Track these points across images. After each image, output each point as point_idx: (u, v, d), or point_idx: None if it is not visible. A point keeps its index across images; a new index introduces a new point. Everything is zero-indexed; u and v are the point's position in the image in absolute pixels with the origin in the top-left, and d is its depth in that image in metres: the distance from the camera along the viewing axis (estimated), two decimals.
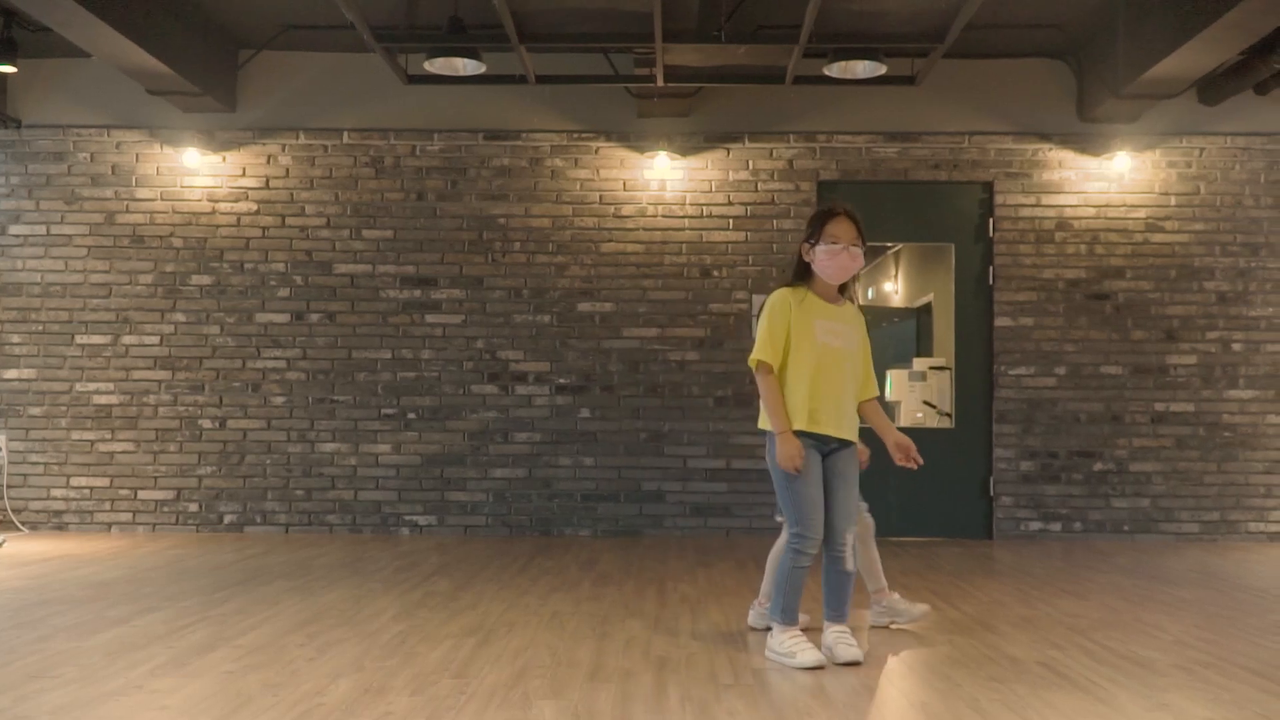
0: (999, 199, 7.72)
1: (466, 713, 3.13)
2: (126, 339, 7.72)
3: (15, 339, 7.73)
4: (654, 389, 7.68)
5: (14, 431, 7.69)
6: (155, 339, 7.72)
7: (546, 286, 7.72)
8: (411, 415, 7.68)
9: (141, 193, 7.78)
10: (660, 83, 6.96)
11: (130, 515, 7.67)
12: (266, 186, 7.78)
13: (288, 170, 7.79)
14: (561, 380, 7.69)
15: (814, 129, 7.75)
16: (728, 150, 7.76)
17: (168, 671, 3.58)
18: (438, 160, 7.78)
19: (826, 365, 3.84)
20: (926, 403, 7.99)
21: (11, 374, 7.72)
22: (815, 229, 3.89)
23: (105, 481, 7.68)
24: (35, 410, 7.70)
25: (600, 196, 7.75)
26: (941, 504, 7.55)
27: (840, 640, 3.82)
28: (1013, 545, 7.28)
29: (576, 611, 4.75)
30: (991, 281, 7.72)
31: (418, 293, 7.73)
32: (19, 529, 7.60)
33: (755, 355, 3.89)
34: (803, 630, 3.90)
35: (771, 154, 7.75)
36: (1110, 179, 7.72)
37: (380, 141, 7.79)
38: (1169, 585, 5.63)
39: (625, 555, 6.62)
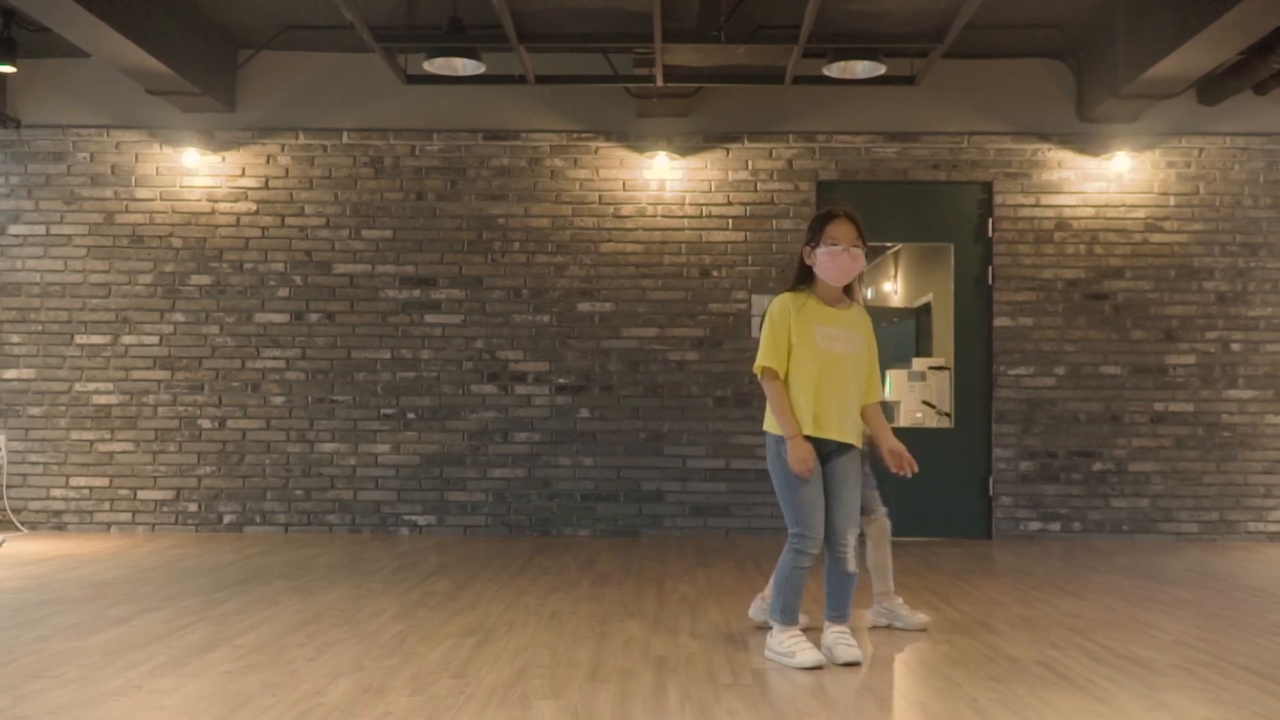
0: (998, 199, 7.72)
1: (466, 712, 3.13)
2: (126, 339, 7.72)
3: (15, 339, 7.73)
4: (653, 389, 7.68)
5: (13, 431, 7.69)
6: (155, 339, 7.72)
7: (546, 286, 7.72)
8: (411, 415, 7.68)
9: (141, 193, 7.79)
10: (659, 83, 6.96)
11: (130, 515, 7.67)
12: (266, 186, 7.78)
13: (287, 170, 7.79)
14: (561, 380, 7.69)
15: (813, 129, 7.75)
16: (727, 150, 7.76)
17: (167, 671, 3.59)
18: (437, 160, 7.78)
19: (828, 370, 3.83)
20: (926, 403, 7.99)
21: (11, 374, 7.72)
22: (815, 232, 3.89)
23: (105, 481, 7.68)
24: (35, 410, 7.70)
25: (600, 196, 7.75)
26: (941, 504, 7.55)
27: (840, 641, 3.82)
28: (1012, 545, 7.28)
29: (576, 611, 4.75)
30: (991, 281, 7.73)
31: (417, 293, 7.73)
32: (18, 529, 7.60)
33: (759, 363, 3.91)
34: (803, 630, 3.90)
35: (771, 154, 7.75)
36: (1109, 179, 7.72)
37: (380, 141, 7.79)
38: (1168, 585, 5.64)
39: (624, 555, 6.62)
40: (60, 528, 7.67)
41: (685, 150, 7.76)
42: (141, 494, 7.67)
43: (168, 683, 3.44)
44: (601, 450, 7.65)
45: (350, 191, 7.77)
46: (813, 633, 3.99)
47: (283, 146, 7.79)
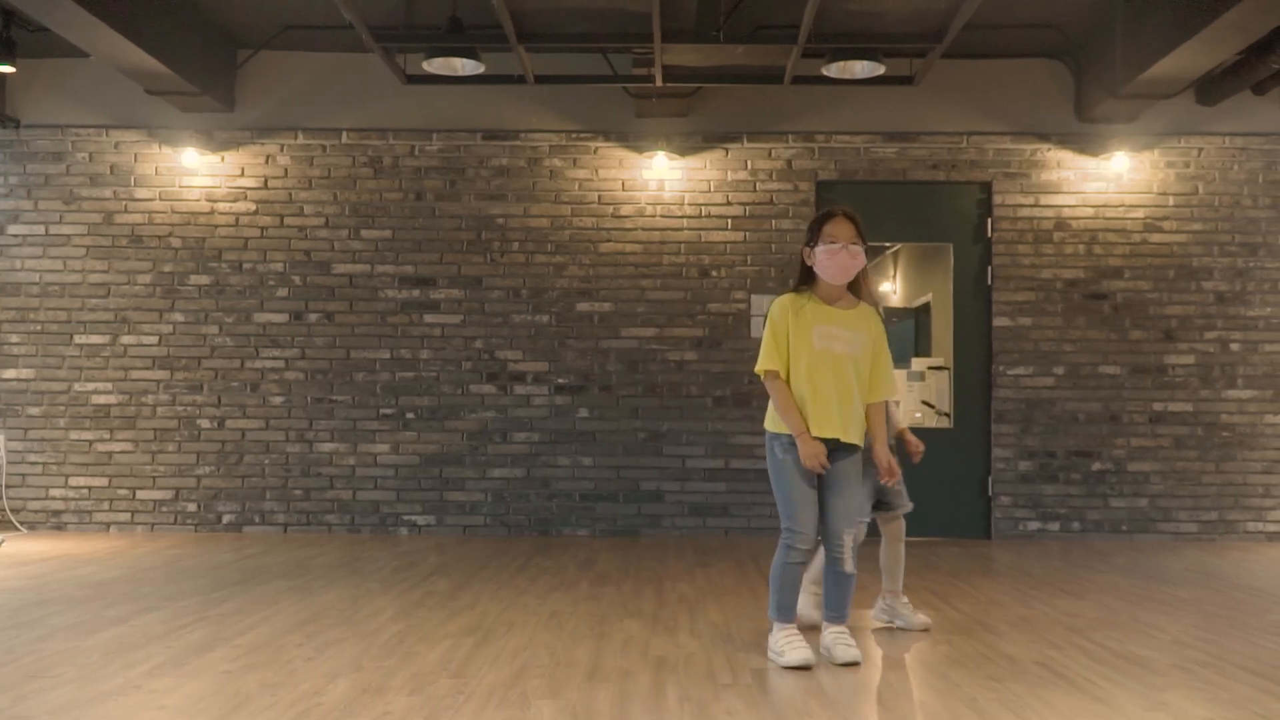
0: (997, 199, 7.72)
1: (465, 712, 3.14)
2: (125, 339, 7.71)
3: (14, 339, 7.73)
4: (652, 389, 7.68)
5: (12, 431, 7.69)
6: (154, 339, 7.72)
7: (545, 286, 7.72)
8: (410, 415, 7.68)
9: (140, 193, 7.78)
10: (659, 83, 6.97)
11: (129, 515, 7.67)
12: (265, 186, 7.78)
13: (286, 170, 7.79)
14: (560, 380, 7.69)
15: (812, 129, 7.76)
16: (726, 150, 7.76)
17: (166, 671, 3.59)
18: (436, 160, 7.78)
19: (826, 371, 3.82)
20: (925, 402, 7.99)
21: (10, 374, 7.72)
22: (814, 231, 3.90)
23: (104, 481, 7.68)
24: (34, 410, 7.70)
25: (599, 196, 7.75)
26: (940, 504, 7.55)
27: (839, 641, 3.83)
28: (1011, 545, 7.29)
29: (575, 611, 4.75)
30: (990, 281, 7.73)
31: (416, 293, 7.73)
32: (17, 529, 7.60)
33: (759, 365, 3.92)
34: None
35: (770, 154, 7.75)
36: (1108, 179, 7.72)
37: (379, 141, 7.79)
38: (1167, 585, 5.64)
39: (624, 555, 6.62)
40: (59, 528, 7.67)
41: (684, 150, 7.76)
42: (140, 494, 7.67)
43: (167, 682, 3.44)
44: (601, 450, 7.65)
45: (349, 191, 7.77)
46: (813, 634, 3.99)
47: (282, 146, 7.79)
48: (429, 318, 7.72)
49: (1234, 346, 7.65)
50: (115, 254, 7.75)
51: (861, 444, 3.90)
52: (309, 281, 7.73)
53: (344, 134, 7.79)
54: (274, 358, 7.71)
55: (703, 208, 7.73)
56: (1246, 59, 6.89)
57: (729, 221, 7.73)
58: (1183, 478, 7.61)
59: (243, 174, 7.78)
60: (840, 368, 3.83)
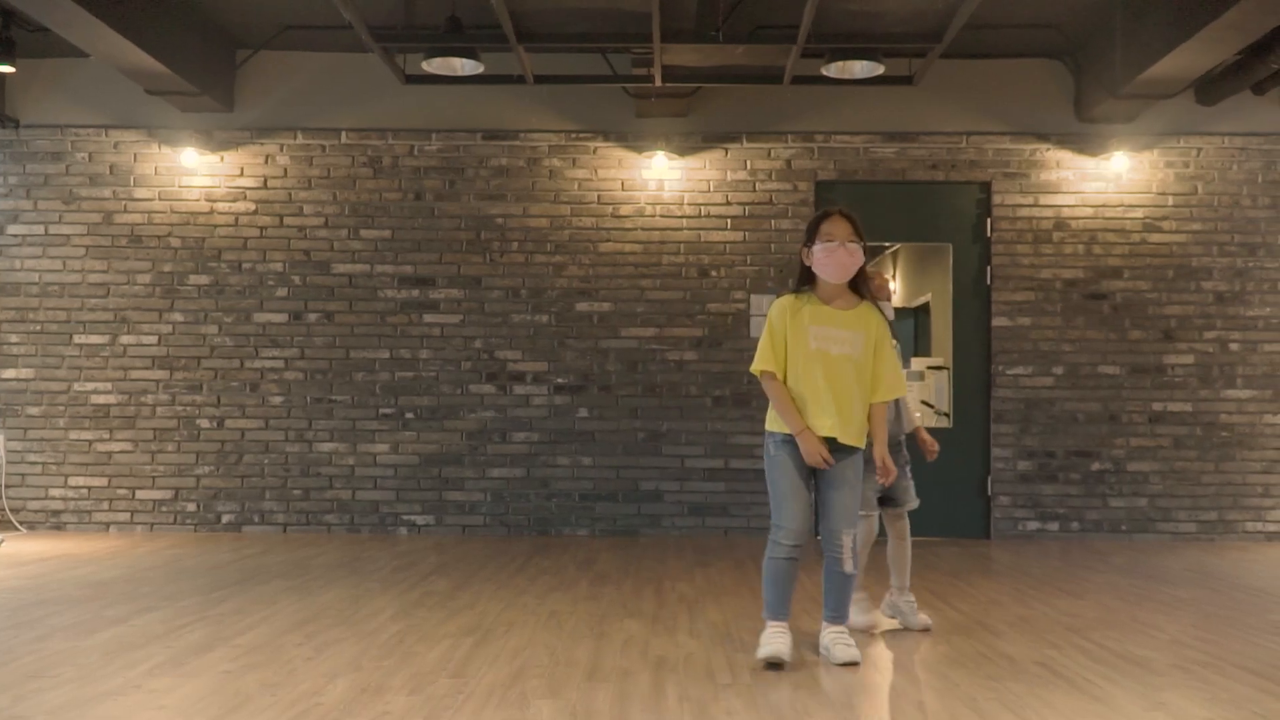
0: (997, 199, 7.73)
1: (464, 712, 3.14)
2: (124, 339, 7.71)
3: (13, 339, 7.73)
4: (652, 389, 7.68)
5: (12, 431, 7.69)
6: (153, 339, 7.72)
7: (544, 286, 7.72)
8: (409, 415, 7.68)
9: (139, 192, 7.78)
10: (658, 83, 6.97)
11: (128, 515, 7.67)
12: (264, 186, 7.78)
13: (286, 170, 7.79)
14: (559, 380, 7.69)
15: (812, 129, 7.76)
16: (726, 150, 7.76)
17: (165, 671, 3.59)
18: (436, 160, 7.78)
19: (821, 372, 3.81)
20: (924, 402, 7.99)
21: (10, 374, 7.72)
22: (811, 231, 3.90)
23: (103, 481, 7.68)
24: (33, 410, 7.70)
25: (598, 196, 7.75)
26: (939, 504, 7.54)
27: (838, 641, 3.83)
28: (1010, 545, 7.29)
29: (574, 611, 4.75)
30: (989, 281, 7.73)
31: (416, 292, 7.73)
32: (17, 529, 7.59)
33: (754, 365, 3.94)
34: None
35: (769, 154, 7.75)
36: (1108, 179, 7.73)
37: (378, 141, 7.79)
38: (1166, 585, 5.64)
39: (623, 555, 6.62)
40: (59, 527, 7.67)
41: (684, 150, 7.76)
42: (140, 494, 7.67)
43: (166, 682, 3.44)
44: (600, 450, 7.65)
45: (349, 191, 7.77)
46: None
47: (281, 146, 7.79)
48: (428, 317, 7.72)
49: (1233, 346, 7.65)
50: (115, 254, 7.75)
51: (862, 445, 3.90)
52: (308, 281, 7.73)
53: (343, 134, 7.79)
54: (273, 357, 7.71)
55: (702, 208, 7.73)
56: (1246, 59, 6.89)
57: (728, 221, 7.73)
58: (1182, 478, 7.61)
59: (242, 174, 7.78)
60: (836, 369, 3.83)
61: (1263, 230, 7.69)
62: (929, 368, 8.06)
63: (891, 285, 4.65)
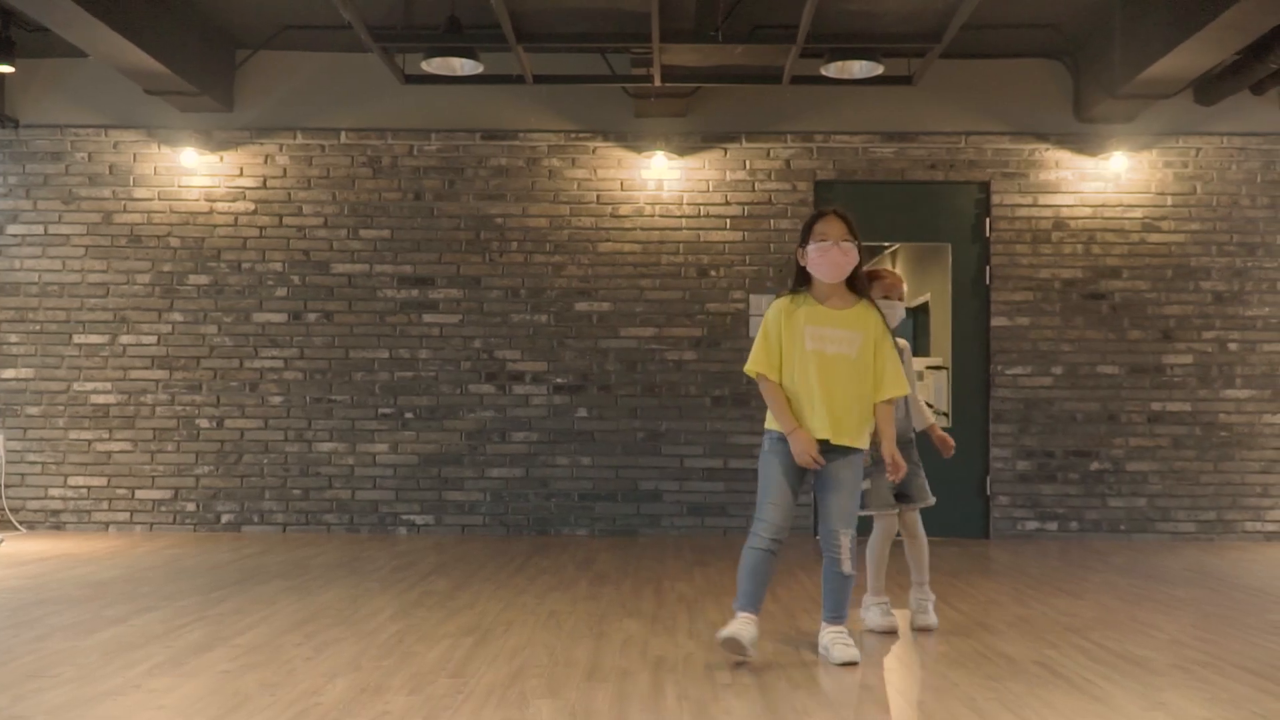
0: (996, 199, 7.73)
1: (463, 712, 3.14)
2: (124, 338, 7.71)
3: (13, 338, 7.73)
4: (651, 388, 7.68)
5: (12, 431, 7.69)
6: (153, 338, 7.72)
7: (544, 286, 7.72)
8: (409, 415, 7.68)
9: (139, 192, 7.78)
10: (657, 82, 6.97)
11: (128, 515, 7.67)
12: (264, 186, 7.78)
13: (285, 170, 7.79)
14: (559, 380, 7.69)
15: (811, 129, 7.76)
16: (725, 150, 7.77)
17: (165, 671, 3.59)
18: (435, 160, 7.78)
19: (816, 372, 3.82)
20: (925, 403, 7.99)
21: (9, 373, 7.72)
22: (805, 232, 3.92)
23: (103, 481, 7.68)
24: (33, 410, 7.70)
25: (597, 196, 7.75)
26: (938, 503, 7.50)
27: (837, 641, 3.83)
28: (1009, 545, 7.29)
29: (574, 611, 4.76)
30: (988, 281, 7.74)
31: (415, 292, 7.73)
32: (16, 528, 7.59)
33: (747, 366, 3.97)
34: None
35: (769, 154, 7.76)
36: (1107, 179, 7.73)
37: (378, 141, 7.79)
38: (1165, 584, 5.64)
39: (622, 555, 6.62)
40: (58, 527, 7.67)
41: (683, 150, 7.76)
42: (139, 493, 7.67)
43: (165, 682, 3.44)
44: (599, 450, 7.65)
45: (348, 191, 7.78)
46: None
47: (281, 146, 7.79)
48: (428, 317, 7.72)
49: (1232, 346, 7.66)
50: (114, 254, 7.75)
51: (860, 445, 3.90)
52: (308, 281, 7.73)
53: (343, 134, 7.79)
54: (273, 357, 7.71)
55: (701, 207, 7.73)
56: (1245, 59, 6.89)
57: (728, 221, 7.73)
58: (1181, 477, 7.61)
59: (241, 174, 7.78)
60: (832, 369, 3.83)
61: (1261, 230, 7.70)
62: (928, 368, 8.06)
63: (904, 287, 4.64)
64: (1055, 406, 7.65)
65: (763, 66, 7.05)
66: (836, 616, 3.89)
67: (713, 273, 7.71)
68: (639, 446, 7.65)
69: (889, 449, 3.92)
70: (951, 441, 4.58)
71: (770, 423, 3.94)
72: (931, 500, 4.50)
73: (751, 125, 7.77)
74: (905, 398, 4.42)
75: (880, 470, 4.34)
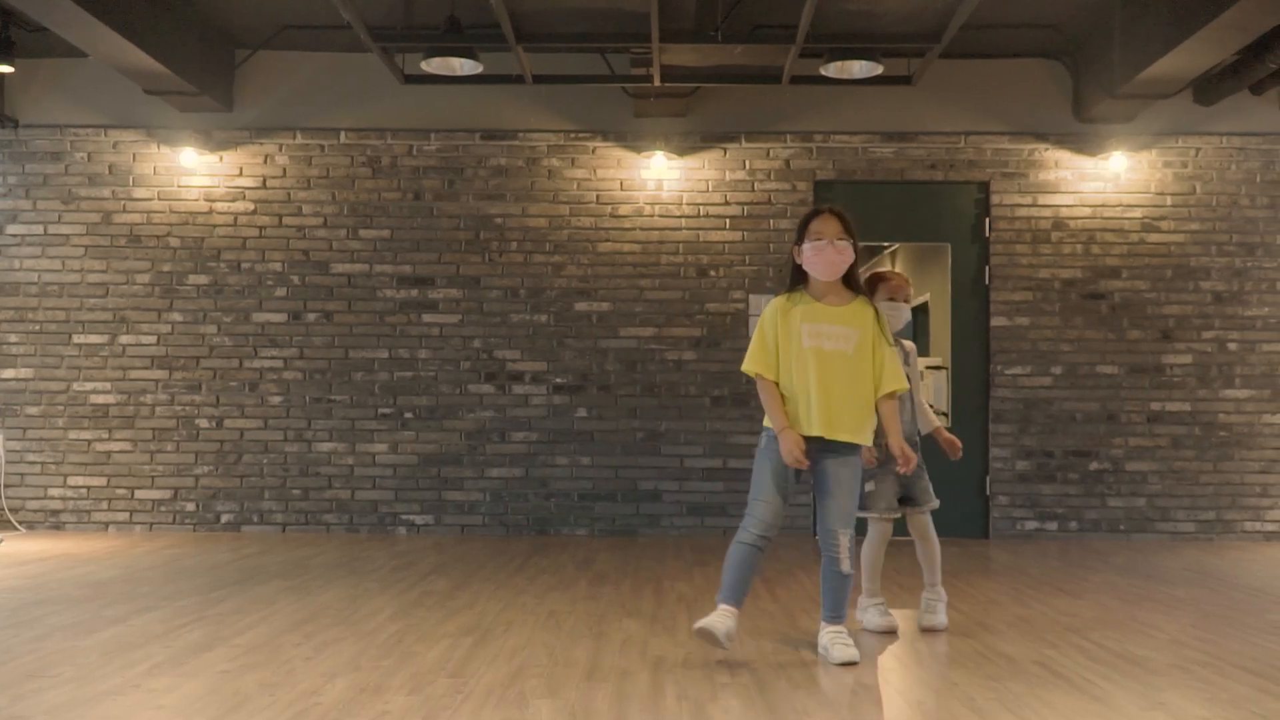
0: (995, 199, 7.73)
1: (463, 712, 3.14)
2: (123, 338, 7.71)
3: (12, 338, 7.73)
4: (651, 388, 7.68)
5: (11, 431, 7.69)
6: (152, 338, 7.72)
7: (543, 286, 7.72)
8: (408, 415, 7.68)
9: (138, 192, 7.78)
10: (657, 82, 6.97)
11: (127, 515, 7.67)
12: (263, 186, 7.78)
13: (285, 170, 7.79)
14: (558, 380, 7.69)
15: (810, 129, 7.76)
16: (724, 150, 7.77)
17: (164, 671, 3.59)
18: (435, 160, 7.78)
19: (816, 369, 3.82)
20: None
21: (9, 373, 7.72)
22: (801, 230, 3.93)
23: (102, 481, 7.68)
24: (32, 410, 7.70)
25: (597, 196, 7.75)
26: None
27: (836, 641, 3.83)
28: (1009, 545, 7.29)
29: (573, 611, 4.76)
30: (988, 281, 7.74)
31: (415, 292, 7.73)
32: (16, 528, 7.59)
33: (744, 365, 3.99)
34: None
35: (768, 154, 7.76)
36: (1106, 179, 7.73)
37: (377, 141, 7.79)
38: (1165, 584, 5.64)
39: (622, 554, 6.62)
40: (58, 527, 7.67)
41: (683, 150, 7.76)
42: (139, 493, 7.67)
43: (165, 682, 3.44)
44: (599, 450, 7.65)
45: (348, 191, 7.78)
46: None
47: (280, 146, 7.79)
48: (427, 317, 7.72)
49: (1231, 346, 7.66)
50: (114, 254, 7.75)
51: (860, 441, 3.90)
52: (307, 281, 7.73)
53: (342, 134, 7.79)
54: (272, 357, 7.71)
55: (701, 207, 7.73)
56: (1244, 59, 6.90)
57: (727, 221, 7.73)
58: (1180, 477, 7.61)
59: (241, 174, 7.78)
60: (829, 365, 3.83)
61: (1261, 230, 7.70)
62: (927, 367, 8.06)
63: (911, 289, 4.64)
64: (1055, 406, 7.65)
65: (762, 66, 7.05)
66: (835, 616, 3.90)
67: (712, 273, 7.71)
68: (638, 446, 7.65)
69: (896, 442, 3.92)
70: (959, 443, 4.57)
71: (769, 421, 3.95)
72: (935, 503, 4.49)
73: (751, 125, 7.77)
74: (911, 401, 4.43)
75: (886, 473, 4.35)
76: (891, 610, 4.50)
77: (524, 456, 7.66)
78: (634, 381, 7.68)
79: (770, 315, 3.93)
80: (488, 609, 4.77)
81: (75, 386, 7.70)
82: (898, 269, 9.34)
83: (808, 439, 3.84)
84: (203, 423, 7.68)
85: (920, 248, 8.46)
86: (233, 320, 7.72)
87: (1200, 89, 7.58)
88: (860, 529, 4.44)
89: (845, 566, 3.84)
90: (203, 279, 7.73)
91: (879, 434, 4.20)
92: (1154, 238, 7.71)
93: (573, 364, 7.69)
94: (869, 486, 4.37)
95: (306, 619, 4.49)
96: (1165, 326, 7.68)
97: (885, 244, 8.69)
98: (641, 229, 7.73)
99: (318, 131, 7.79)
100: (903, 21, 6.69)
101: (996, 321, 7.68)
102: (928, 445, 4.59)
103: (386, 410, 7.68)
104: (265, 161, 7.79)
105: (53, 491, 7.68)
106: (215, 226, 7.76)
